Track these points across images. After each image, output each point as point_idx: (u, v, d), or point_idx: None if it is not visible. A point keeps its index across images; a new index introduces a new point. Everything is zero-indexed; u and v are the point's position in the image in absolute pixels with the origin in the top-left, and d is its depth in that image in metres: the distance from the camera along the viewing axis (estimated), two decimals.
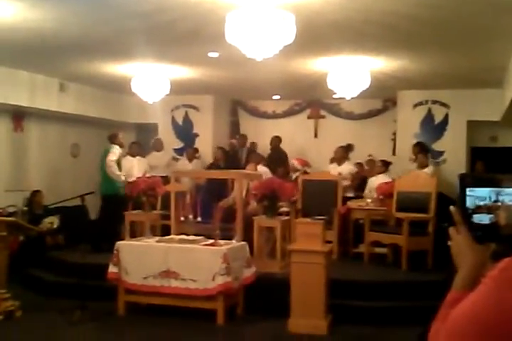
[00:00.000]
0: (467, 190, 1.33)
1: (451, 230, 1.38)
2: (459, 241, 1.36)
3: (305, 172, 8.76)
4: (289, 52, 6.08)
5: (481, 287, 1.19)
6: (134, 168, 8.70)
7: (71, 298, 5.59)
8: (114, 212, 7.37)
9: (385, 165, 8.39)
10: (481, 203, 1.33)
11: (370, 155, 9.49)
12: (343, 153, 8.94)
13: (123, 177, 7.84)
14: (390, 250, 6.84)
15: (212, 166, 9.85)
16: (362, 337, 4.90)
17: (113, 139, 8.00)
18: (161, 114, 10.52)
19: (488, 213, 1.33)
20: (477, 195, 1.33)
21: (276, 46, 5.07)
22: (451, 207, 1.36)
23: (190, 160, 10.10)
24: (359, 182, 8.80)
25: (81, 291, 5.43)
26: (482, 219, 1.33)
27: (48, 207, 8.32)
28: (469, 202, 1.34)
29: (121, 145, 8.02)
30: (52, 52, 6.95)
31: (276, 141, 10.37)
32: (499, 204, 1.33)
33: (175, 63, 7.55)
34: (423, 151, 8.26)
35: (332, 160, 9.21)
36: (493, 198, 1.33)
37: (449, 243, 1.40)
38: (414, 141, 9.13)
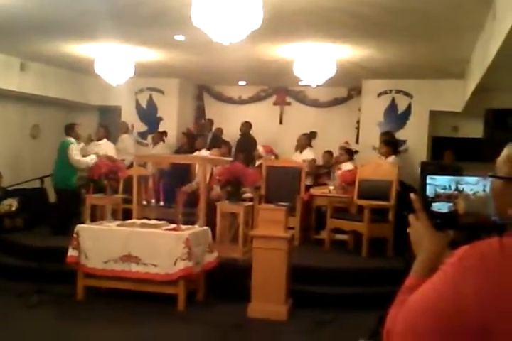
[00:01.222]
0: (428, 177, 1.35)
1: (411, 217, 1.40)
2: (418, 228, 1.38)
3: (275, 156, 8.78)
4: (256, 38, 6.04)
5: (439, 273, 1.20)
6: (101, 153, 8.56)
7: (29, 282, 5.50)
8: (68, 206, 7.24)
9: (349, 153, 8.44)
10: (441, 191, 1.35)
11: (346, 142, 9.47)
12: (306, 140, 8.98)
13: (93, 160, 7.67)
14: (351, 237, 6.92)
15: (179, 151, 9.79)
16: (321, 322, 4.96)
17: (69, 131, 7.69)
18: (124, 97, 10.37)
19: (448, 201, 1.35)
20: (437, 184, 1.35)
21: (243, 31, 5.03)
22: (412, 195, 1.37)
23: (155, 143, 10.02)
24: (326, 171, 8.87)
25: (39, 275, 5.36)
26: (441, 207, 1.35)
27: (7, 189, 8.15)
28: (429, 190, 1.36)
29: (77, 138, 7.75)
30: (13, 31, 6.77)
31: (246, 126, 10.33)
32: (458, 193, 1.35)
33: (140, 45, 7.44)
34: (389, 142, 8.22)
35: (296, 148, 9.24)
36: (453, 187, 1.35)
37: (409, 230, 1.41)
38: (378, 130, 9.22)
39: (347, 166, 8.01)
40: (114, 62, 7.69)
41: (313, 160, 8.68)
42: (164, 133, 10.26)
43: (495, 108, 7.62)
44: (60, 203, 7.53)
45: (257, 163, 8.56)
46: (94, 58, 7.75)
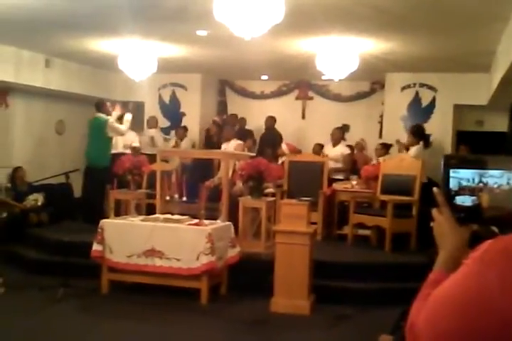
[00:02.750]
0: (451, 171, 1.33)
1: (434, 211, 1.38)
2: (441, 222, 1.37)
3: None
4: (278, 32, 6.03)
5: (463, 268, 1.19)
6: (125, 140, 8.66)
7: (54, 276, 5.57)
8: (100, 186, 7.25)
9: (386, 147, 8.39)
10: (464, 185, 1.33)
11: (362, 140, 9.45)
12: (340, 134, 8.87)
13: (129, 119, 7.78)
14: (374, 232, 6.88)
15: (209, 140, 9.84)
16: (343, 317, 4.95)
17: (101, 107, 7.72)
18: (147, 93, 10.43)
19: (471, 195, 1.33)
20: (461, 177, 1.33)
21: (265, 25, 5.02)
22: (435, 189, 1.36)
23: (181, 139, 10.05)
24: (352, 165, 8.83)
25: (64, 269, 5.42)
26: (465, 200, 1.33)
27: (33, 184, 8.26)
28: (453, 184, 1.34)
29: (108, 114, 7.76)
30: (38, 28, 6.84)
31: (270, 121, 10.28)
32: (482, 186, 1.33)
33: (163, 41, 7.46)
34: (415, 133, 8.05)
35: (317, 145, 9.21)
36: (477, 180, 1.33)
37: (432, 224, 1.40)
38: (401, 124, 9.14)
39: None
40: (137, 58, 7.73)
41: (349, 155, 8.59)
42: (185, 128, 10.30)
43: None
44: (90, 184, 7.51)
45: (280, 160, 8.54)
46: (118, 54, 7.80)
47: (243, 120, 10.68)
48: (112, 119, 7.62)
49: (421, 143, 7.55)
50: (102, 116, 7.60)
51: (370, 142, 9.51)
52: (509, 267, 1.11)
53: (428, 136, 8.19)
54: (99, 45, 7.80)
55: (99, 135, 7.54)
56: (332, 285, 5.55)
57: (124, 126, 7.71)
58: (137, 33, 6.90)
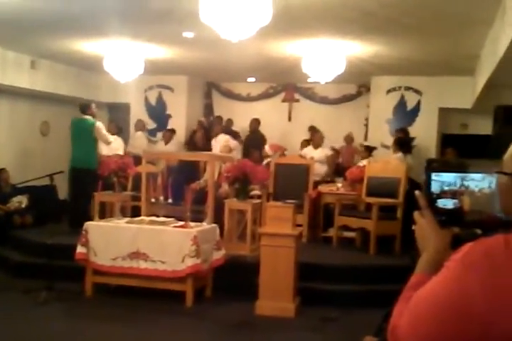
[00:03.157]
0: (433, 174, 1.34)
1: (416, 214, 1.39)
2: (423, 225, 1.37)
3: (282, 155, 8.79)
4: (265, 34, 6.04)
5: (444, 270, 1.20)
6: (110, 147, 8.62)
7: (38, 279, 5.53)
8: (87, 187, 7.17)
9: (369, 150, 8.45)
10: (446, 188, 1.34)
11: (351, 133, 9.55)
12: (321, 137, 8.98)
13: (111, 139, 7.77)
14: (359, 234, 6.90)
15: (189, 143, 9.82)
16: (328, 320, 4.95)
17: (86, 109, 7.55)
18: (134, 94, 10.41)
19: (453, 198, 1.34)
20: (443, 180, 1.34)
21: (252, 28, 5.03)
22: (416, 192, 1.37)
23: (166, 142, 10.03)
24: (336, 167, 8.88)
25: (48, 272, 5.38)
26: (446, 203, 1.34)
27: (17, 186, 8.20)
28: (435, 187, 1.35)
29: (94, 116, 7.67)
30: (24, 29, 6.80)
31: (255, 123, 10.36)
32: (463, 189, 1.34)
33: (149, 42, 7.45)
34: (397, 141, 8.19)
35: (303, 145, 9.25)
36: (458, 183, 1.34)
37: (414, 227, 1.41)
38: (387, 127, 9.19)
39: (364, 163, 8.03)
40: (123, 60, 7.71)
41: (333, 156, 8.67)
42: (173, 131, 10.27)
43: (504, 104, 7.57)
44: (77, 186, 7.39)
45: (265, 161, 8.55)
46: (104, 55, 7.77)
47: (230, 121, 10.70)
48: (100, 124, 7.57)
49: (400, 154, 7.68)
50: (89, 118, 7.53)
51: (356, 144, 9.59)
52: (489, 270, 1.12)
53: (410, 145, 8.33)
54: (85, 46, 7.76)
55: (85, 137, 7.44)
56: (317, 288, 5.56)
57: (111, 138, 7.70)
58: (123, 34, 6.88)
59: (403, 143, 8.08)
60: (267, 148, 8.83)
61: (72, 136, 7.59)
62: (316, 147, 8.77)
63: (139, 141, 9.92)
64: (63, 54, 8.35)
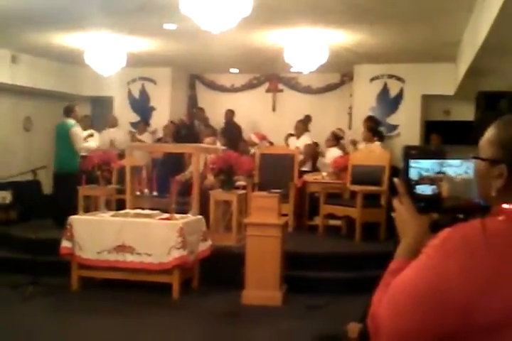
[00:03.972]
0: (411, 161, 1.35)
1: (395, 201, 1.40)
2: (402, 211, 1.38)
3: (270, 143, 8.79)
4: (246, 25, 6.01)
5: (422, 256, 1.21)
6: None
7: (23, 274, 5.50)
8: (69, 191, 7.12)
9: (336, 138, 8.48)
10: (424, 174, 1.34)
11: (339, 129, 9.52)
12: (303, 126, 8.99)
13: (95, 145, 7.69)
14: (344, 222, 6.95)
15: (159, 141, 9.71)
16: (315, 307, 4.99)
17: (70, 112, 7.50)
18: (116, 87, 10.31)
19: (431, 184, 1.35)
20: (421, 167, 1.35)
21: (232, 18, 5.00)
22: (395, 179, 1.37)
23: (140, 133, 9.97)
24: (313, 156, 8.90)
25: (34, 267, 5.35)
26: (425, 190, 1.34)
27: (0, 182, 8.12)
28: (413, 173, 1.35)
29: (77, 120, 7.66)
30: (4, 23, 6.71)
31: (230, 114, 10.34)
32: (442, 175, 1.35)
33: (131, 34, 7.38)
34: (370, 128, 8.24)
35: (289, 135, 9.24)
36: (437, 169, 1.34)
37: (393, 214, 1.42)
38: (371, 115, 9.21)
39: (333, 152, 8.06)
40: (105, 52, 7.64)
41: (309, 145, 8.66)
42: (146, 123, 10.22)
43: (486, 90, 7.63)
44: (60, 189, 7.36)
45: (252, 150, 8.55)
46: (85, 49, 7.69)
47: (201, 110, 10.60)
48: (76, 127, 7.48)
49: (376, 143, 7.73)
50: (70, 121, 7.46)
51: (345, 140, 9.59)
52: (467, 256, 1.13)
53: (381, 130, 8.38)
54: (66, 39, 7.68)
55: (66, 140, 7.37)
56: (303, 276, 5.59)
57: (92, 146, 7.64)
58: (104, 27, 6.82)
59: (376, 131, 8.09)
60: (252, 136, 8.83)
61: (55, 140, 7.56)
62: (297, 136, 8.80)
63: (113, 137, 9.68)
64: (44, 48, 8.26)
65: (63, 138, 7.42)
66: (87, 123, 8.96)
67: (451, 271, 1.12)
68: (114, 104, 10.67)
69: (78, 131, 7.46)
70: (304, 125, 9.07)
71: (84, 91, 10.38)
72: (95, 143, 7.88)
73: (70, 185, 7.00)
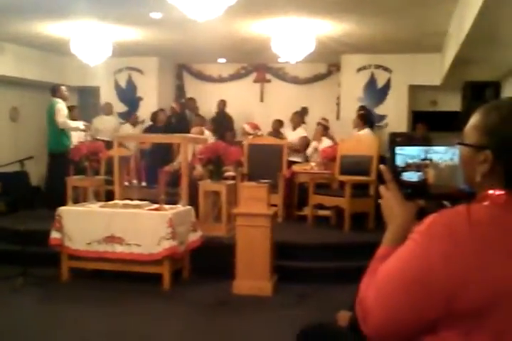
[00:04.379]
0: (397, 148, 1.37)
1: (381, 188, 1.42)
2: (388, 198, 1.40)
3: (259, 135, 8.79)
4: (232, 14, 6.00)
5: (408, 242, 1.23)
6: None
7: (13, 265, 5.49)
8: (61, 170, 7.08)
9: (325, 129, 8.53)
10: (410, 161, 1.37)
11: (324, 119, 9.53)
12: (299, 118, 9.02)
13: (82, 126, 7.67)
14: (334, 212, 6.98)
15: (151, 128, 9.69)
16: (305, 296, 5.03)
17: (55, 92, 7.60)
18: (103, 77, 10.26)
19: (417, 171, 1.37)
20: (407, 154, 1.37)
21: (218, 7, 4.99)
22: (381, 166, 1.39)
23: (134, 125, 9.96)
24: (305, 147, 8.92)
25: (23, 258, 5.35)
26: (411, 176, 1.37)
27: None
28: (400, 160, 1.37)
29: (64, 99, 7.66)
30: None
31: (222, 105, 10.37)
32: (428, 162, 1.37)
33: (116, 23, 7.34)
34: (361, 116, 8.28)
35: (277, 121, 9.28)
36: (422, 156, 1.37)
37: (380, 201, 1.44)
38: (358, 105, 9.24)
39: (323, 142, 8.09)
40: (91, 42, 7.59)
41: (304, 138, 8.68)
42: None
43: (472, 80, 7.67)
44: (52, 169, 7.37)
45: (245, 140, 8.55)
46: (70, 38, 7.63)
47: (192, 100, 10.59)
48: (60, 105, 7.49)
49: (367, 129, 7.77)
50: (56, 100, 7.46)
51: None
52: (451, 241, 1.15)
53: (373, 120, 8.42)
54: (52, 28, 7.62)
55: (52, 120, 7.42)
56: (294, 266, 5.62)
57: (76, 124, 7.62)
58: (90, 15, 6.77)
59: (367, 118, 8.14)
60: (246, 126, 8.83)
61: (46, 120, 7.58)
62: (293, 128, 8.84)
63: (108, 125, 9.75)
64: (29, 37, 8.19)
65: (50, 118, 7.49)
66: (75, 113, 8.91)
67: (436, 257, 1.15)
68: (101, 94, 10.62)
69: (60, 107, 7.49)
70: (300, 117, 9.11)
71: (70, 81, 10.31)
72: (81, 125, 7.82)
73: (62, 163, 6.99)
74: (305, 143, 8.64)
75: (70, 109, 8.85)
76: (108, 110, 10.06)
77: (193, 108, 10.49)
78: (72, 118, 8.60)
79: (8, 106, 9.62)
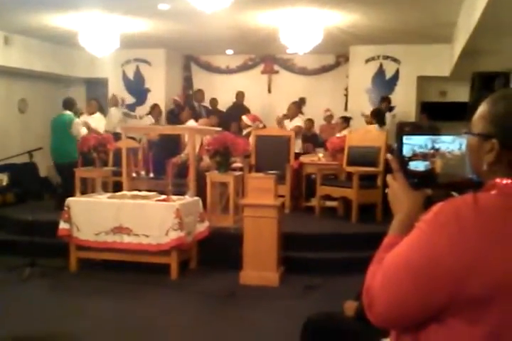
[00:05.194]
0: (404, 137, 1.36)
1: (389, 177, 1.42)
2: (395, 188, 1.40)
3: (264, 126, 8.76)
4: (240, 5, 5.98)
5: (415, 230, 1.23)
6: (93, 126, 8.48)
7: (22, 256, 5.53)
8: (69, 178, 7.09)
9: (346, 121, 8.50)
10: (417, 150, 1.36)
11: (327, 110, 9.52)
12: (296, 108, 8.95)
13: (86, 130, 7.71)
14: (341, 203, 6.98)
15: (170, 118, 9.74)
16: (311, 287, 5.04)
17: (71, 106, 7.52)
18: (111, 69, 10.29)
19: (424, 160, 1.37)
20: (414, 143, 1.36)
21: None
22: (388, 155, 1.39)
23: (157, 119, 9.92)
24: (309, 137, 8.90)
25: (32, 249, 5.38)
26: (418, 166, 1.36)
27: None
28: (406, 150, 1.37)
29: (76, 113, 7.69)
30: None
31: (241, 96, 10.35)
32: (435, 151, 1.37)
33: (124, 15, 7.33)
34: (374, 113, 8.28)
35: (285, 117, 9.21)
36: (429, 146, 1.36)
37: (387, 190, 1.44)
38: (366, 96, 9.21)
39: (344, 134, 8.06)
40: (99, 34, 7.59)
41: (298, 127, 8.62)
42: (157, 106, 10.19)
43: (481, 71, 7.61)
44: (65, 178, 7.33)
45: (244, 132, 8.54)
46: (79, 30, 7.64)
47: (215, 100, 10.64)
48: (78, 120, 7.49)
49: (376, 125, 7.76)
50: (69, 113, 7.43)
51: (337, 115, 9.59)
52: (458, 229, 1.15)
53: (383, 117, 8.39)
54: (60, 20, 7.63)
55: (64, 132, 7.33)
56: (301, 257, 5.63)
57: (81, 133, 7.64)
58: (98, 7, 6.77)
59: (377, 114, 8.13)
60: (245, 118, 8.80)
61: (51, 131, 7.48)
62: (290, 118, 8.77)
63: (114, 116, 9.77)
64: (37, 29, 8.20)
65: (62, 130, 7.35)
66: (94, 106, 8.88)
67: (442, 244, 1.15)
68: (109, 85, 10.63)
69: (78, 122, 7.49)
70: (297, 107, 9.03)
71: (78, 72, 10.35)
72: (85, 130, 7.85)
73: (72, 174, 6.99)
74: (299, 133, 8.58)
75: (89, 103, 8.90)
76: (115, 102, 10.07)
77: (201, 100, 10.50)
78: (91, 112, 8.60)
79: (16, 98, 9.66)
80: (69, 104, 7.53)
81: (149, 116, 10.00)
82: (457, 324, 1.16)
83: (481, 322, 1.14)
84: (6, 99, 9.42)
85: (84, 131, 7.57)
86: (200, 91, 10.65)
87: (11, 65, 8.77)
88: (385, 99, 9.01)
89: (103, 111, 9.32)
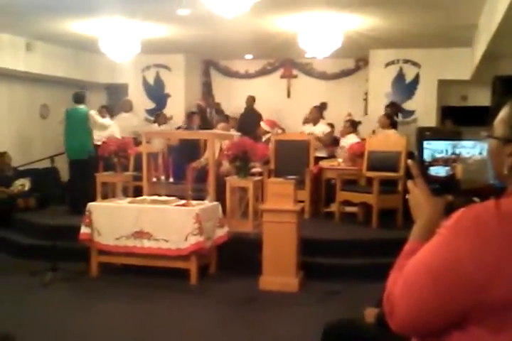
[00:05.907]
0: (425, 143, 1.35)
1: (409, 183, 1.40)
2: (416, 193, 1.39)
3: (283, 131, 8.74)
4: (260, 10, 5.99)
5: (436, 237, 1.22)
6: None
7: (43, 260, 5.58)
8: (85, 176, 7.14)
9: (353, 125, 8.43)
10: (438, 156, 1.35)
11: (349, 115, 9.47)
12: (317, 113, 8.92)
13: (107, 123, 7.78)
14: (361, 209, 6.93)
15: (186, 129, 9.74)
16: (331, 293, 5.01)
17: (82, 99, 7.56)
18: (131, 74, 10.36)
19: (445, 165, 1.35)
20: (434, 148, 1.35)
21: (245, 3, 4.99)
22: (409, 161, 1.38)
23: (160, 124, 9.96)
24: (331, 142, 8.85)
25: (53, 253, 5.43)
26: (439, 171, 1.35)
27: (18, 169, 8.22)
28: (427, 155, 1.36)
29: (87, 105, 7.76)
30: (18, 11, 6.74)
31: (251, 100, 10.34)
32: (455, 156, 1.35)
33: (144, 21, 7.38)
34: (388, 115, 8.24)
35: (306, 121, 9.19)
36: (450, 151, 1.35)
37: (407, 196, 1.42)
38: (386, 101, 9.15)
39: (351, 138, 8.00)
40: (119, 39, 7.65)
41: (331, 132, 8.61)
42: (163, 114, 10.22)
43: (503, 75, 7.52)
44: (77, 175, 7.37)
45: (264, 138, 8.53)
46: (99, 36, 7.71)
47: (217, 105, 10.68)
48: (93, 112, 7.57)
49: (393, 130, 7.74)
50: (82, 107, 7.49)
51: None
52: (479, 236, 1.13)
53: (396, 120, 8.38)
54: (81, 26, 7.71)
55: (80, 127, 7.38)
56: (320, 262, 5.61)
57: (107, 122, 7.70)
58: (118, 13, 6.82)
59: (392, 120, 8.11)
60: (263, 124, 8.80)
61: (66, 126, 7.49)
62: (314, 123, 8.74)
63: (128, 121, 9.72)
64: (58, 35, 8.30)
65: (77, 124, 7.40)
66: (104, 113, 8.99)
67: (463, 251, 1.13)
68: (129, 91, 10.71)
69: (93, 113, 7.61)
70: (318, 112, 9.00)
71: (99, 78, 10.44)
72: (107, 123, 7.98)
73: (87, 170, 7.05)
74: (331, 138, 8.57)
75: (100, 109, 9.01)
76: (128, 107, 10.07)
77: (212, 104, 10.52)
78: (126, 110, 8.73)
79: (38, 104, 9.77)
80: (81, 98, 7.58)
81: (170, 121, 10.04)
82: (480, 332, 1.14)
83: (503, 330, 1.12)
84: (28, 104, 9.54)
85: (100, 120, 7.65)
86: (211, 97, 10.69)
87: (33, 70, 8.88)
88: (393, 105, 8.93)
89: (112, 117, 9.45)
